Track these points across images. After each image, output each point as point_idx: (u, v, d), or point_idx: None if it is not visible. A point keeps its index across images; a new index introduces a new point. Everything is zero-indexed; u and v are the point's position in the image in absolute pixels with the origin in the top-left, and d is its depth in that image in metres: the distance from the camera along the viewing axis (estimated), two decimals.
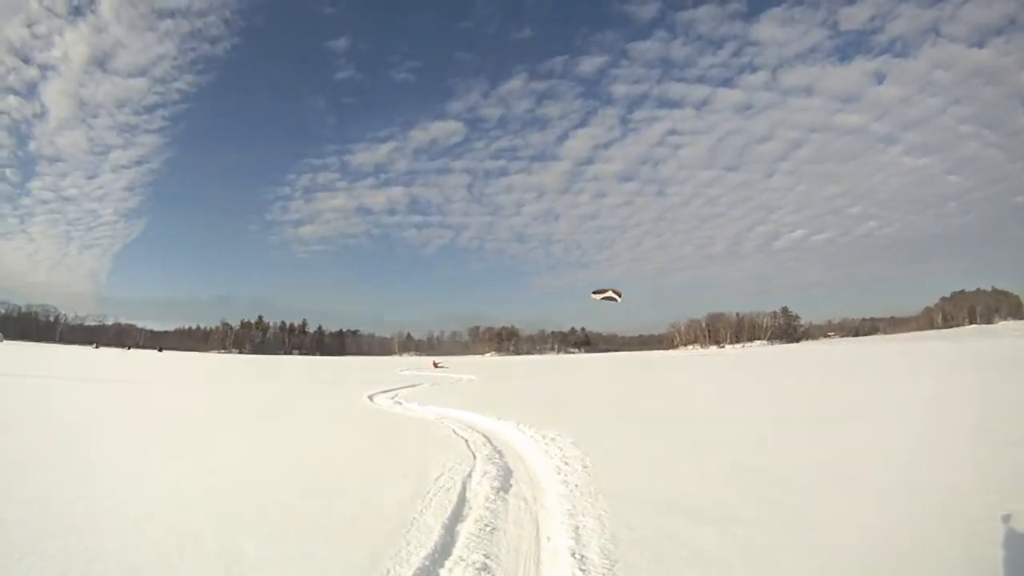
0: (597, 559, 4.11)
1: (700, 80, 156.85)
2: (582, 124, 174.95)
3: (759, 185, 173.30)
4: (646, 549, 4.27)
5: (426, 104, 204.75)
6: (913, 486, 5.76)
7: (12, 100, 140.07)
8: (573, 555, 4.19)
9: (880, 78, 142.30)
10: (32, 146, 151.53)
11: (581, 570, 3.93)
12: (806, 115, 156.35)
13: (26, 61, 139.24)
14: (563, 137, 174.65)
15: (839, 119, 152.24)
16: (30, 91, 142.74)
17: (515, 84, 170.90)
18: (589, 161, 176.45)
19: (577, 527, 4.83)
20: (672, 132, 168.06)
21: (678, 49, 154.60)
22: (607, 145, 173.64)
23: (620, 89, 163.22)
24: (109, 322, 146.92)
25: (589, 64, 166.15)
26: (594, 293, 13.20)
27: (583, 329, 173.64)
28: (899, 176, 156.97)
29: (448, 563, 4.17)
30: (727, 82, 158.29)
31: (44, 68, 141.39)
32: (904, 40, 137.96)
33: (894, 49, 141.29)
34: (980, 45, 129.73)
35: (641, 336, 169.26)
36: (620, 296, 13.21)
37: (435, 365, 53.14)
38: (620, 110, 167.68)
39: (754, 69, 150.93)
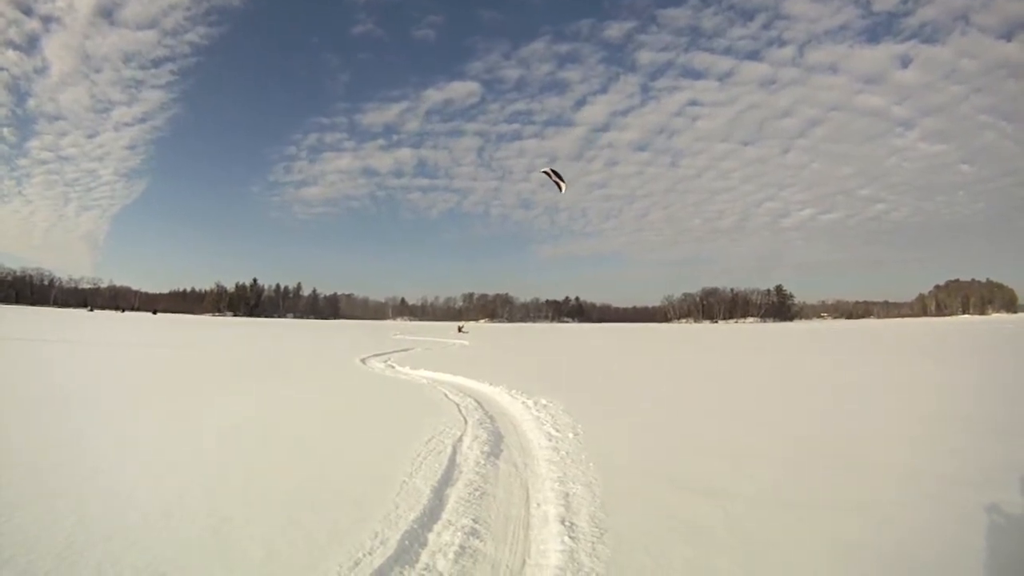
0: (587, 527, 4.09)
1: (727, 52, 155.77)
2: (602, 90, 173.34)
3: (774, 161, 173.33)
4: (636, 518, 4.25)
5: (444, 63, 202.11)
6: (902, 468, 5.78)
7: (11, 55, 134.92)
8: (563, 522, 4.18)
9: (906, 62, 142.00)
10: (31, 103, 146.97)
11: (571, 537, 3.91)
12: (829, 93, 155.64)
13: (27, 13, 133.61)
14: (581, 103, 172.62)
15: (860, 100, 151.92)
16: (31, 45, 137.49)
17: (538, 46, 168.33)
18: (605, 128, 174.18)
19: (567, 494, 4.82)
20: (693, 103, 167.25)
21: (709, 18, 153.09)
22: (625, 112, 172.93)
23: (645, 56, 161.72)
24: (104, 285, 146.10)
25: (617, 29, 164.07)
26: (545, 171, 13.71)
27: (577, 299, 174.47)
28: (913, 161, 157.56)
29: (437, 527, 4.15)
30: (754, 55, 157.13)
31: (47, 20, 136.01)
32: (934, 25, 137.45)
33: (923, 34, 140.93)
34: (1008, 38, 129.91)
35: (635, 308, 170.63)
36: (561, 186, 13.73)
37: (459, 329, 56.54)
38: (642, 78, 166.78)
39: (782, 43, 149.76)
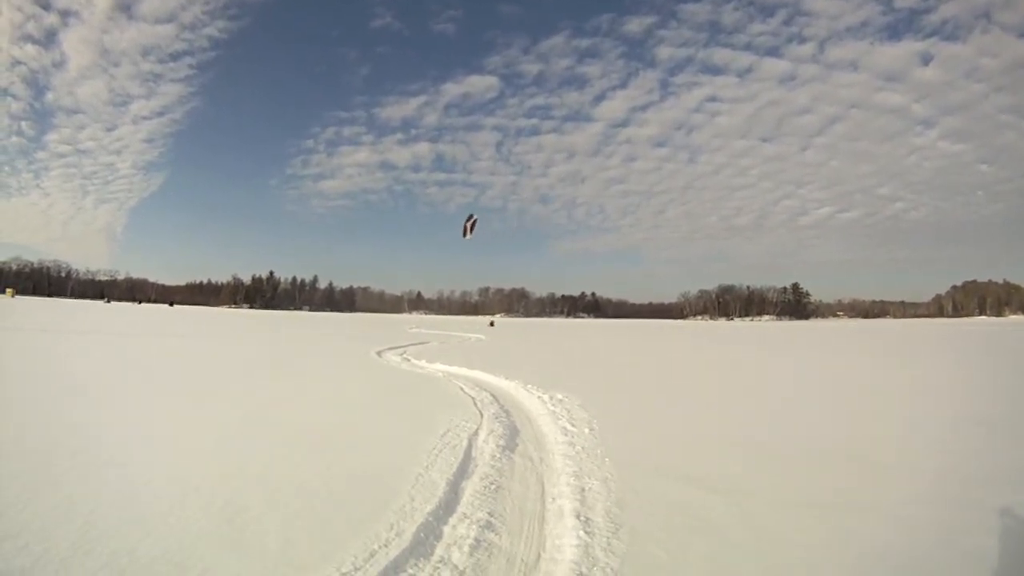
0: (602, 522, 4.04)
1: (747, 48, 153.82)
2: (621, 85, 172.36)
3: (793, 159, 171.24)
4: (651, 514, 4.19)
5: (462, 57, 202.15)
6: (919, 468, 5.66)
7: (30, 49, 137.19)
8: (578, 517, 4.13)
9: (926, 59, 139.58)
10: (49, 97, 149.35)
11: (586, 532, 3.87)
12: (848, 91, 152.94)
13: (46, 7, 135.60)
14: (600, 98, 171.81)
15: (880, 97, 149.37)
16: (49, 39, 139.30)
17: (557, 40, 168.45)
18: (623, 124, 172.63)
19: (583, 489, 4.77)
20: (712, 99, 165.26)
21: (729, 14, 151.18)
22: (644, 108, 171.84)
23: (664, 51, 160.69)
24: (121, 277, 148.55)
25: (637, 24, 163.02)
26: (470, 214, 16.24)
27: (593, 294, 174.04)
28: (933, 160, 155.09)
29: (452, 520, 4.12)
30: (773, 51, 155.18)
31: (65, 14, 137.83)
32: (955, 22, 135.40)
33: (944, 31, 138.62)
34: None
35: (651, 304, 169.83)
36: (466, 232, 16.30)
37: (491, 324, 59.21)
38: (662, 73, 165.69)
39: (802, 40, 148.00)
